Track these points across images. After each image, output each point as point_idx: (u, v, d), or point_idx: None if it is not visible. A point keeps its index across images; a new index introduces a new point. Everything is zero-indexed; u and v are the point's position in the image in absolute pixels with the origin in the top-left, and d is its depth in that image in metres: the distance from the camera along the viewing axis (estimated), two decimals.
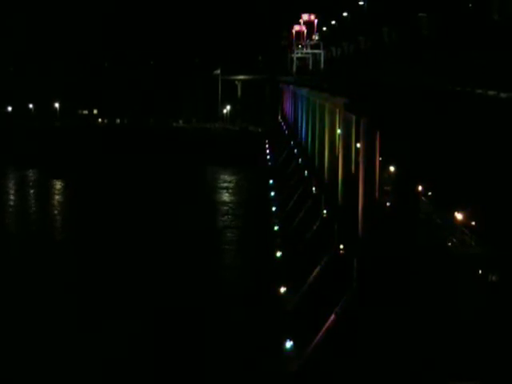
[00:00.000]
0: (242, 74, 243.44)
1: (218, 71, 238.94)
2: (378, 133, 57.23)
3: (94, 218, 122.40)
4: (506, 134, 31.75)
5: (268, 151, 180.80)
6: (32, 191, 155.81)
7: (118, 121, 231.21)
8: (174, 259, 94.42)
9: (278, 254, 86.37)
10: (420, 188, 59.82)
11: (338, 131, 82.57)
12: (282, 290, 72.49)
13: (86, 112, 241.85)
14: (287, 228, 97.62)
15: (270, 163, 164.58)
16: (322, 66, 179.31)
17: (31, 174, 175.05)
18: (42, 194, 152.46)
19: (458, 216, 52.29)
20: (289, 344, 58.66)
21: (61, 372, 60.35)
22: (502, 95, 31.36)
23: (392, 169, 67.68)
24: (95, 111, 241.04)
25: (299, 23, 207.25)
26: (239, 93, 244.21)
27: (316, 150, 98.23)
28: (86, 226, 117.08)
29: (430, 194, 64.75)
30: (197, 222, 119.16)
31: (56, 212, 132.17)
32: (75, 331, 68.54)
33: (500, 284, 44.52)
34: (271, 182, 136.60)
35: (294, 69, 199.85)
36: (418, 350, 44.67)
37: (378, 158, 58.45)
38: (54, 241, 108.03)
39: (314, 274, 69.72)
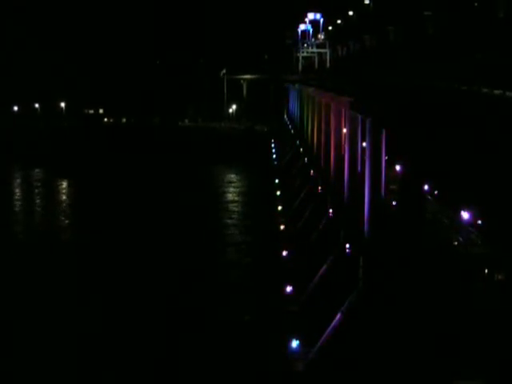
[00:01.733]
0: (247, 73, 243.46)
1: (224, 71, 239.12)
2: (384, 132, 57.22)
3: (99, 217, 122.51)
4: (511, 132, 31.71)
5: (274, 150, 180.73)
6: (37, 190, 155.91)
7: (124, 120, 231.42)
8: (179, 257, 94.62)
9: (284, 253, 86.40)
10: (426, 187, 59.78)
11: (344, 130, 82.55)
12: (289, 288, 72.49)
13: (91, 111, 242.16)
14: (293, 227, 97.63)
15: (275, 162, 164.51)
16: (328, 64, 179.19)
17: (37, 173, 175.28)
18: (47, 193, 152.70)
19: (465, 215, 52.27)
20: (295, 343, 58.65)
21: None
22: (508, 94, 31.34)
23: (398, 168, 67.65)
24: (101, 111, 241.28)
25: (305, 22, 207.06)
26: (245, 92, 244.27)
27: (322, 149, 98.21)
28: (91, 224, 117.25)
29: (436, 192, 64.74)
30: (202, 220, 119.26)
31: (62, 210, 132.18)
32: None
33: (506, 283, 44.49)
34: (277, 181, 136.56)
35: (300, 68, 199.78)
36: (424, 349, 44.65)
37: (384, 157, 58.45)
38: (60, 239, 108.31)
39: (320, 272, 69.74)
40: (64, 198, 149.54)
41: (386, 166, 59.31)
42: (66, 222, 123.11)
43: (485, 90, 33.71)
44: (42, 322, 71.01)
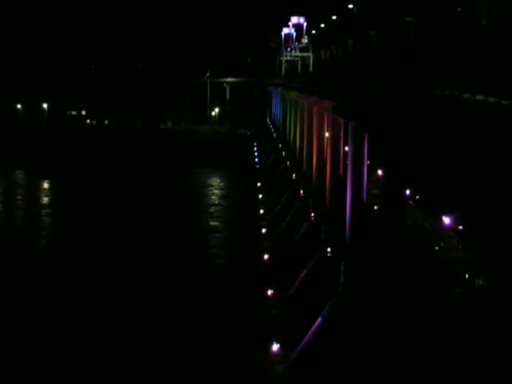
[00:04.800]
0: (230, 76, 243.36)
1: (208, 74, 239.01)
2: (366, 136, 57.27)
3: (80, 219, 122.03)
4: (493, 138, 31.77)
5: (256, 154, 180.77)
6: (19, 191, 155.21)
7: (107, 122, 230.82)
8: (160, 262, 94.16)
9: (266, 256, 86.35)
10: (408, 192, 59.86)
11: (327, 134, 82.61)
12: (269, 292, 72.46)
13: (74, 113, 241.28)
14: (275, 230, 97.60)
15: (258, 166, 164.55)
16: (311, 69, 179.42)
17: (18, 175, 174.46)
18: (28, 194, 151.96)
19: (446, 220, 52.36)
20: (275, 347, 58.59)
21: None
22: (491, 100, 31.38)
23: (380, 172, 67.73)
24: (83, 112, 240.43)
25: (288, 26, 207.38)
26: (228, 95, 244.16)
27: (304, 153, 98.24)
28: (72, 226, 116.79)
29: (417, 197, 64.80)
30: (183, 224, 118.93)
31: (42, 212, 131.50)
32: None
33: (487, 289, 44.57)
34: (259, 184, 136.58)
35: (283, 71, 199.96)
36: (404, 354, 44.69)
37: (366, 162, 58.48)
38: (41, 241, 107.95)
39: (301, 276, 69.72)
40: (45, 199, 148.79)
41: (368, 171, 59.39)
42: (47, 222, 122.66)
43: (467, 96, 33.76)
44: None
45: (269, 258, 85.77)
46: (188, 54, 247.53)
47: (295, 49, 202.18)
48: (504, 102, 29.75)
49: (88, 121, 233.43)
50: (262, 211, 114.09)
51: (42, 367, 61.08)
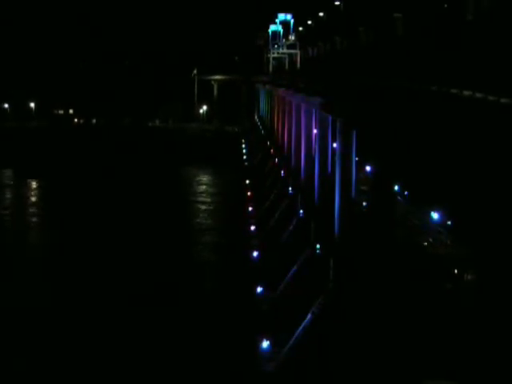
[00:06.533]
0: (218, 74, 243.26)
1: (195, 71, 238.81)
2: (355, 133, 57.34)
3: (68, 218, 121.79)
4: (482, 133, 31.86)
5: (244, 151, 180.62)
6: (6, 190, 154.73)
7: (94, 121, 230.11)
8: (148, 264, 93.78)
9: (255, 253, 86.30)
10: (396, 188, 59.98)
11: (315, 131, 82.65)
12: (259, 289, 72.43)
13: (61, 112, 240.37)
14: (264, 228, 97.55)
15: (246, 163, 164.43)
16: (299, 65, 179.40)
17: (6, 174, 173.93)
18: (16, 193, 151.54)
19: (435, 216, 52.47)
20: (265, 344, 58.57)
21: None
22: (478, 95, 31.49)
23: (368, 169, 67.87)
24: (71, 111, 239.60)
25: (275, 23, 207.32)
26: (215, 93, 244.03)
27: (292, 150, 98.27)
28: (60, 225, 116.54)
29: (406, 193, 65.00)
30: (172, 223, 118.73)
31: (30, 211, 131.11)
32: None
33: (476, 283, 44.70)
34: (248, 181, 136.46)
35: (271, 69, 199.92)
36: (394, 349, 44.77)
37: (355, 158, 58.58)
38: (29, 240, 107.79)
39: (291, 273, 69.73)
40: (33, 198, 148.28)
41: (356, 167, 59.47)
42: (35, 222, 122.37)
43: (454, 91, 33.87)
44: None
45: (258, 255, 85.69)
46: (175, 51, 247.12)
47: (282, 46, 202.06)
48: (490, 98, 29.88)
49: (76, 120, 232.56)
50: (250, 208, 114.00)
51: None
